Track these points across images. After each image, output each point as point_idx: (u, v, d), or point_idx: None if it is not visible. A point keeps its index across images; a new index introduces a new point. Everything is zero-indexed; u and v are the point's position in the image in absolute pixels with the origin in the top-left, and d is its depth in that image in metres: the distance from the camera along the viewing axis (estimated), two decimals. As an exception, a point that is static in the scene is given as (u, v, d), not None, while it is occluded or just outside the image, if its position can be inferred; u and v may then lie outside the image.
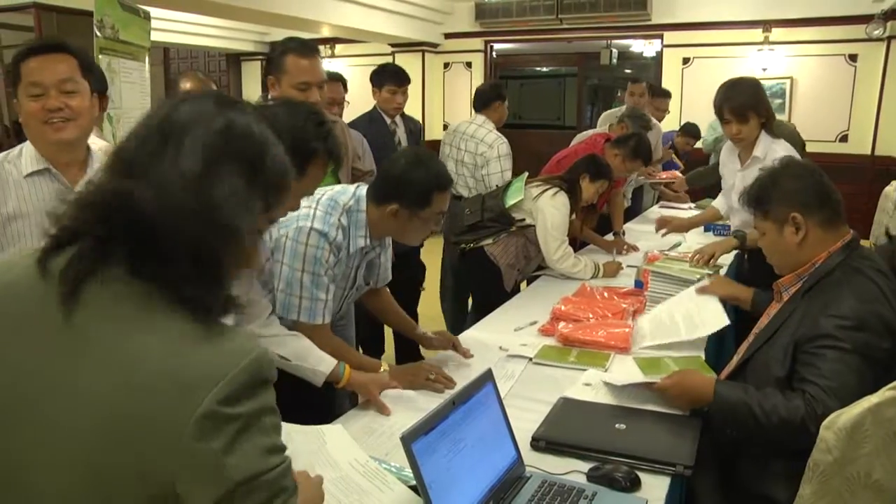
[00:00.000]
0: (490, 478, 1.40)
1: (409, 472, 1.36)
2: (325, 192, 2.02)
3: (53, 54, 1.80)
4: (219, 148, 0.88)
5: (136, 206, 0.83)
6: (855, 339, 1.63)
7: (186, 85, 2.77)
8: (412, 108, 9.52)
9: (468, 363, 2.20)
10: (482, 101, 4.15)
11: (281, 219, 2.02)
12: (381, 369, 2.04)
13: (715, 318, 2.35)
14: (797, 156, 2.75)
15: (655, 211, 5.42)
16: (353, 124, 3.60)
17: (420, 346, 2.36)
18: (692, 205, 5.30)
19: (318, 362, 1.88)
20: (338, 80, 4.03)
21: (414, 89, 9.44)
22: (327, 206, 1.98)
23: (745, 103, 2.84)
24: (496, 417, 1.50)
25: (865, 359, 1.62)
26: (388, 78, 3.92)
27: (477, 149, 3.98)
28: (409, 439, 1.22)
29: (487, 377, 1.52)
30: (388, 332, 3.40)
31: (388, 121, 3.97)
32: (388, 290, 2.38)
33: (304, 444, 1.53)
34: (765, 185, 1.89)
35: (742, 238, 2.87)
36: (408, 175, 1.97)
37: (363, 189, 2.05)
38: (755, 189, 1.92)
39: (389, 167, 2.04)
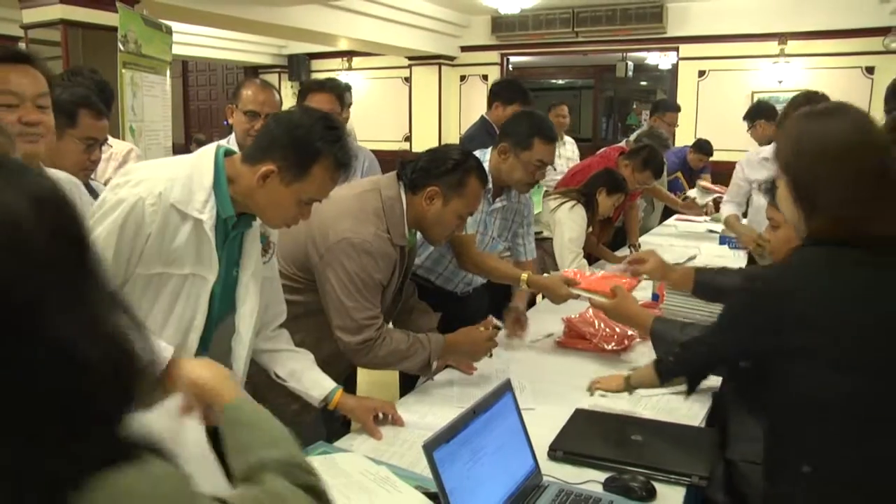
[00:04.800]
0: (509, 486, 1.43)
1: (429, 479, 1.39)
2: None
3: (27, 66, 1.59)
4: None
5: None
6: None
7: (248, 92, 2.58)
8: (428, 122, 9.65)
9: (486, 375, 2.22)
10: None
11: None
12: None
13: None
14: None
15: (672, 223, 5.43)
16: (468, 134, 3.61)
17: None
18: (707, 217, 5.30)
19: (311, 386, 1.80)
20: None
21: (430, 102, 9.64)
22: None
23: None
24: (515, 427, 1.53)
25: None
26: (520, 97, 3.72)
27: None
28: (430, 447, 1.25)
29: (506, 387, 1.55)
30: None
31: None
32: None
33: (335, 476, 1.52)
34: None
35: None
36: (517, 119, 2.48)
37: (487, 151, 2.50)
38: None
39: (508, 119, 2.61)
